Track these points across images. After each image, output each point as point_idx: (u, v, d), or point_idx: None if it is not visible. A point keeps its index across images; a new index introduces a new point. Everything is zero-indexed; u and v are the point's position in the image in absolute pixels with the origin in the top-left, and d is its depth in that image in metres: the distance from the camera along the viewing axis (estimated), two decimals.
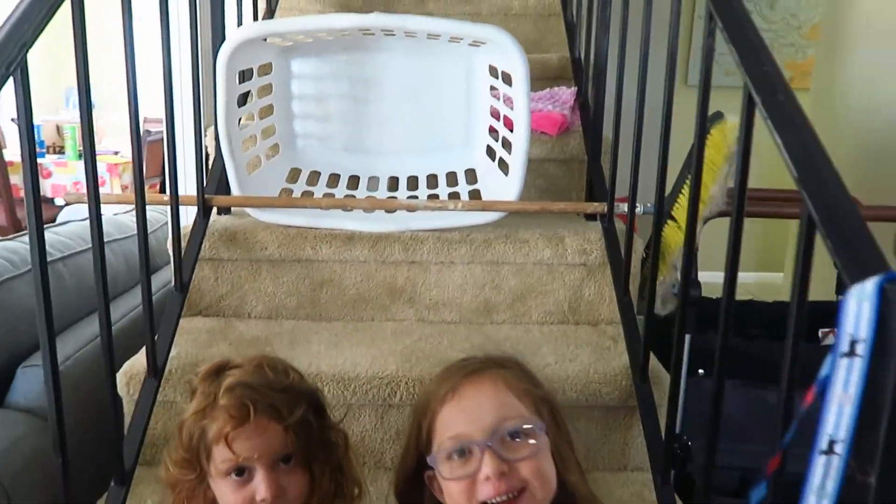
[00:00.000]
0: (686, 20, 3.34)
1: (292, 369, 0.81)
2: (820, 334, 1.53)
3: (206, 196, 1.26)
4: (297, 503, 0.76)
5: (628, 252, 1.20)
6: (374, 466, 1.11)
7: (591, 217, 1.43)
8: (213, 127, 1.44)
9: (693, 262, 1.31)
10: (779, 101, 0.64)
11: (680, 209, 1.28)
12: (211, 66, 1.33)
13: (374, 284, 1.31)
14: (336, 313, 1.31)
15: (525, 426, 0.73)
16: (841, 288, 1.64)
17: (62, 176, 3.95)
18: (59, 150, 4.29)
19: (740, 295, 1.30)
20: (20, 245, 1.20)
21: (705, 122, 0.89)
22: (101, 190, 0.92)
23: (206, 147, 1.50)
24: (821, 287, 1.85)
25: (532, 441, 0.72)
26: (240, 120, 1.33)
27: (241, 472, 0.73)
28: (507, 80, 1.31)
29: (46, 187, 3.92)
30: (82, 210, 1.34)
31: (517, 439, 0.72)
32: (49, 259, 1.24)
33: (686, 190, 1.28)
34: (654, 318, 1.09)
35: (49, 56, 5.61)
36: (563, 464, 0.75)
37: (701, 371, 1.39)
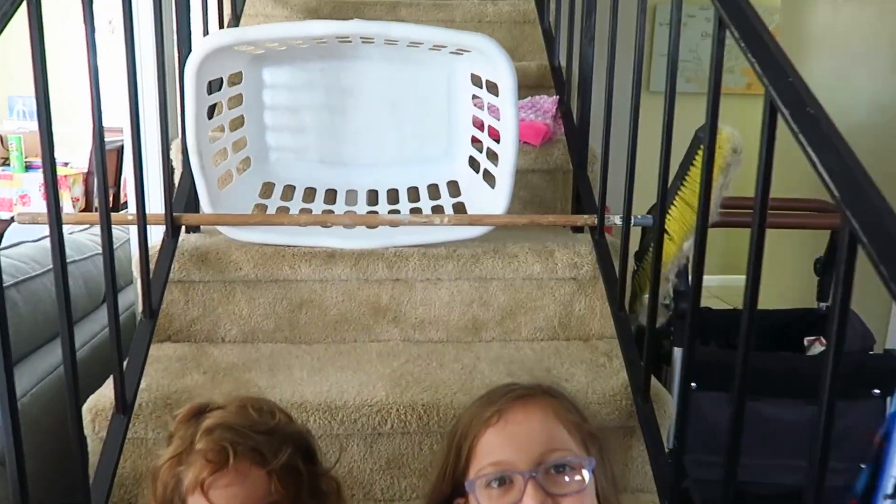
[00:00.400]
0: (648, 27, 3.37)
1: (280, 410, 0.74)
2: (805, 342, 1.52)
3: (174, 214, 1.18)
4: None
5: (623, 264, 1.16)
6: (364, 499, 1.05)
7: (578, 229, 1.39)
8: (178, 140, 1.35)
9: (685, 275, 1.29)
10: (811, 116, 0.61)
11: (672, 220, 1.25)
12: (175, 75, 1.25)
13: (356, 304, 1.24)
14: (317, 335, 1.24)
15: (573, 460, 0.69)
16: (823, 296, 1.65)
17: (7, 189, 3.75)
18: (4, 162, 4.08)
19: (705, 300, 1.29)
20: None
21: (715, 130, 0.85)
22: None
23: (171, 161, 1.41)
24: (805, 295, 1.85)
25: (578, 477, 0.68)
26: (209, 133, 1.25)
27: None
28: (492, 88, 1.26)
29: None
30: (33, 228, 1.24)
31: (563, 473, 0.68)
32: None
33: (678, 201, 1.25)
34: (655, 335, 1.05)
35: None
36: (607, 501, 0.72)
37: (693, 384, 1.36)
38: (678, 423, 0.92)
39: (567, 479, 0.68)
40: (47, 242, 0.80)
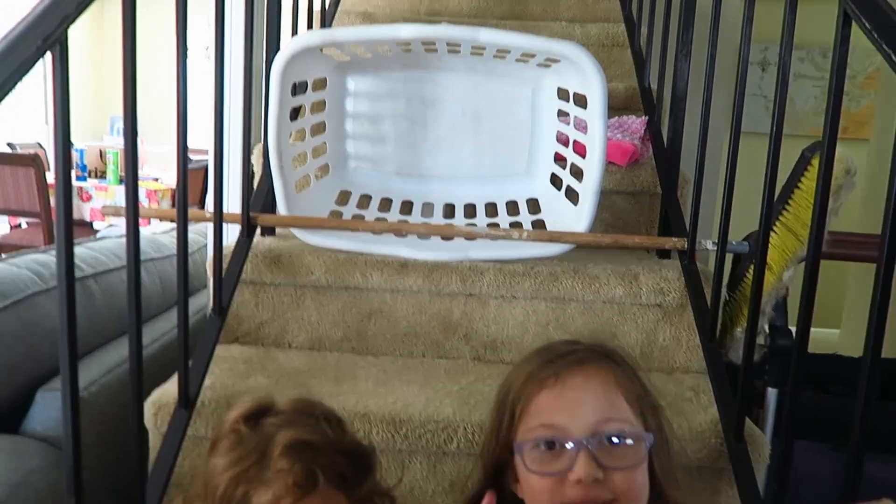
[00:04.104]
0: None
1: (343, 421, 0.69)
2: None
3: (251, 214, 1.17)
4: None
5: (717, 292, 1.07)
6: None
7: (664, 255, 1.31)
8: (260, 145, 1.36)
9: (782, 309, 1.18)
10: None
11: (771, 248, 1.15)
12: (262, 77, 1.25)
13: (427, 317, 1.20)
14: (384, 347, 1.20)
15: (630, 433, 0.64)
16: None
17: (102, 200, 3.95)
18: (101, 175, 4.31)
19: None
20: (51, 258, 1.12)
21: (835, 143, 0.77)
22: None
23: (252, 166, 1.42)
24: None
25: (633, 451, 0.63)
26: (290, 136, 1.25)
27: None
28: (580, 102, 1.21)
29: (85, 211, 3.92)
30: (119, 230, 1.27)
31: (618, 445, 0.63)
32: (79, 275, 1.15)
33: (779, 227, 1.15)
34: (750, 370, 0.95)
35: (97, 82, 5.74)
36: (666, 480, 0.66)
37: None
38: (779, 465, 0.82)
39: (622, 452, 0.63)
40: None
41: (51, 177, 3.48)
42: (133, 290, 0.71)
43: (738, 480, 0.91)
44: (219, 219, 1.06)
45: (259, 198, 1.27)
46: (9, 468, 0.85)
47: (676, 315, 1.19)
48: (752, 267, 1.21)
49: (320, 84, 1.31)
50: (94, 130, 5.61)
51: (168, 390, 0.98)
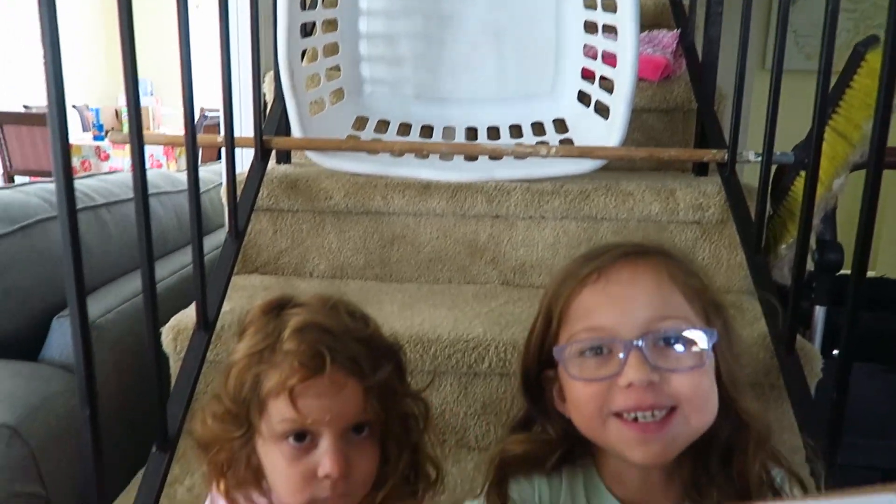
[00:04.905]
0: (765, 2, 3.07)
1: (371, 318, 0.64)
2: None
3: (264, 137, 1.12)
4: (363, 486, 0.59)
5: (762, 204, 1.00)
6: (456, 445, 0.94)
7: (701, 171, 1.23)
8: (271, 72, 1.30)
9: (831, 222, 1.11)
10: None
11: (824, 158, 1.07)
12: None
13: (452, 242, 1.14)
14: (409, 274, 1.15)
15: (689, 331, 0.54)
16: None
17: (119, 158, 3.93)
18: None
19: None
20: None
21: None
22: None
23: (264, 94, 1.36)
24: None
25: (694, 351, 0.54)
26: (303, 55, 1.18)
27: (302, 436, 0.56)
28: (609, 7, 1.13)
29: (104, 169, 3.90)
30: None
31: (676, 346, 0.54)
32: (92, 204, 1.11)
33: (828, 132, 1.07)
34: (802, 276, 0.89)
35: (110, 44, 5.69)
36: (734, 386, 0.56)
37: (836, 352, 1.17)
38: (839, 389, 0.76)
39: (680, 352, 0.54)
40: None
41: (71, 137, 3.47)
42: (141, 209, 0.66)
43: (790, 394, 0.85)
44: (230, 139, 1.00)
45: (272, 123, 1.22)
46: (28, 392, 0.82)
47: (716, 232, 1.12)
48: (798, 179, 1.14)
49: (331, 2, 1.24)
50: (109, 91, 5.59)
51: (187, 315, 0.94)
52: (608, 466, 0.60)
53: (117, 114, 4.28)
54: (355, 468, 0.57)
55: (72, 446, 0.83)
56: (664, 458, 0.55)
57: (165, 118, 4.91)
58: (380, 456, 0.60)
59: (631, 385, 0.53)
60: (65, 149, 0.59)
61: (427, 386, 0.67)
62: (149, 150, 3.70)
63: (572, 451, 0.61)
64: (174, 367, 0.92)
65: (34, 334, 0.94)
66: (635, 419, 0.53)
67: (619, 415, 0.54)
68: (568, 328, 0.58)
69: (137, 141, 0.76)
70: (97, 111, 4.22)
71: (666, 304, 0.55)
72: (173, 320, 0.93)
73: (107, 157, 3.95)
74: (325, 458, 0.55)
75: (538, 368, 0.62)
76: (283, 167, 1.21)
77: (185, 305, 1.00)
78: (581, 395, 0.56)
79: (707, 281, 0.60)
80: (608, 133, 1.13)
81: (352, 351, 0.57)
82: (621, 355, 0.53)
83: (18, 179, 4.08)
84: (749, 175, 1.19)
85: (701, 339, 0.55)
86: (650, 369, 0.52)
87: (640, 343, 0.53)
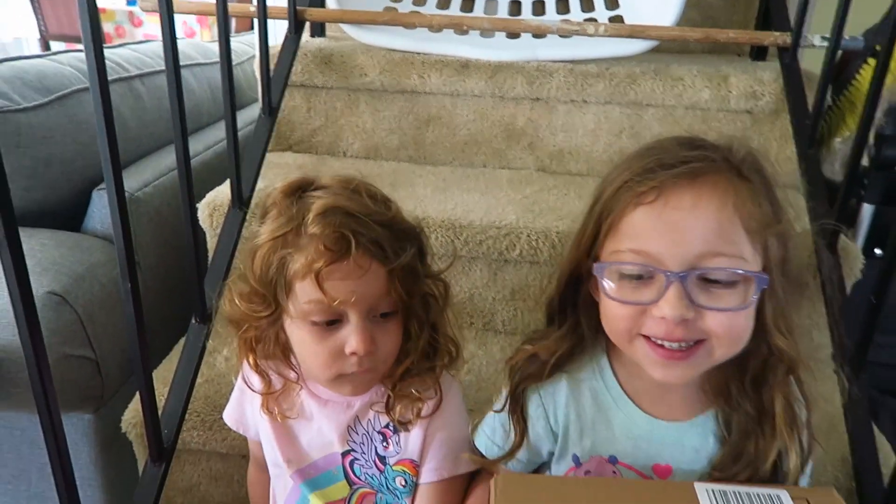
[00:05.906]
0: None
1: (392, 201, 0.64)
2: None
3: (298, 8, 1.07)
4: (387, 362, 0.61)
5: (822, 94, 0.93)
6: (483, 329, 0.97)
7: (760, 56, 1.16)
8: None
9: (894, 116, 1.04)
10: None
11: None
12: None
13: (489, 124, 1.11)
14: (443, 156, 1.13)
15: (738, 273, 0.51)
16: None
17: (154, 26, 3.84)
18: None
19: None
20: None
21: None
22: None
23: None
24: None
25: (740, 293, 0.51)
26: None
27: (330, 318, 0.58)
28: None
29: (138, 36, 3.83)
30: None
31: (720, 285, 0.51)
32: (126, 75, 1.10)
33: None
34: (856, 172, 0.85)
35: None
36: (775, 325, 0.54)
37: (878, 251, 1.14)
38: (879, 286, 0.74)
39: (723, 293, 0.51)
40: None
41: (101, 0, 3.38)
42: (173, 79, 0.65)
43: (824, 295, 0.84)
44: (263, 9, 0.96)
45: None
46: (73, 261, 0.85)
47: (768, 123, 1.07)
48: (864, 67, 1.06)
49: None
50: None
51: (222, 191, 0.95)
52: (625, 368, 0.61)
53: None
54: (380, 345, 0.59)
55: (116, 313, 0.87)
56: (683, 380, 0.55)
57: None
58: (401, 335, 0.61)
59: (664, 318, 0.51)
60: (94, 15, 0.57)
61: (448, 267, 0.67)
62: (181, 17, 3.62)
63: (583, 347, 0.61)
64: (211, 243, 0.94)
65: (77, 205, 0.95)
66: (661, 345, 0.53)
67: (646, 336, 0.53)
68: (614, 242, 0.55)
69: (167, 8, 0.73)
70: None
71: (723, 239, 0.51)
72: (209, 196, 0.94)
73: (140, 24, 3.86)
74: (351, 336, 0.57)
75: (580, 276, 0.60)
76: (318, 41, 1.16)
77: (221, 181, 1.00)
78: (614, 314, 0.55)
79: (777, 210, 0.54)
80: (662, 11, 1.06)
81: (375, 234, 0.57)
82: (662, 285, 0.51)
83: (54, 46, 4.05)
84: (810, 62, 1.11)
85: (750, 283, 0.51)
86: (687, 305, 0.50)
87: (683, 277, 0.50)
